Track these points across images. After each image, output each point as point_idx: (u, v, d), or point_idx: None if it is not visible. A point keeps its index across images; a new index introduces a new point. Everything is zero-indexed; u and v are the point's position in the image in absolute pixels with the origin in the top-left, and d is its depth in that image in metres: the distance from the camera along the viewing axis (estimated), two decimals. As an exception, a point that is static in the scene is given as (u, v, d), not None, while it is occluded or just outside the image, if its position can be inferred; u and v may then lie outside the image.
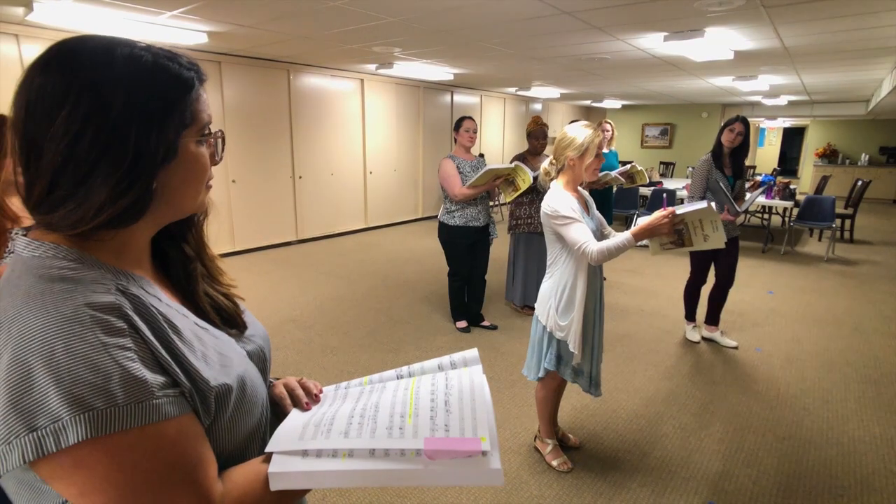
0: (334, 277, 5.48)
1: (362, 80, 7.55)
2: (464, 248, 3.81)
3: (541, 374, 2.26)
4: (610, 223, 5.40)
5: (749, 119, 14.39)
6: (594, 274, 2.17)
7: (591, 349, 2.21)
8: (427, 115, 8.78)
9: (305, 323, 4.17)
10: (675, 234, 2.08)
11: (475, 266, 3.92)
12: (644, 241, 2.09)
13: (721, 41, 4.64)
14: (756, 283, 5.34)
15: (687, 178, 9.79)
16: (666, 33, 4.42)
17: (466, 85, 8.89)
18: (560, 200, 2.06)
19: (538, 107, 11.66)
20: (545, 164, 2.20)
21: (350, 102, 7.51)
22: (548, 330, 2.20)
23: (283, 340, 3.82)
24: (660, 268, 5.73)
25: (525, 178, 3.52)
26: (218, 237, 6.24)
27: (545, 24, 4.20)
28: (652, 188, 7.52)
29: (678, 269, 5.59)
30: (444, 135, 9.15)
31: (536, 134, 4.06)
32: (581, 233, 2.02)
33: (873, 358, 3.58)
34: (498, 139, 10.58)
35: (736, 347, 3.68)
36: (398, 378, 0.80)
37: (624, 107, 12.88)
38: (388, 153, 8.22)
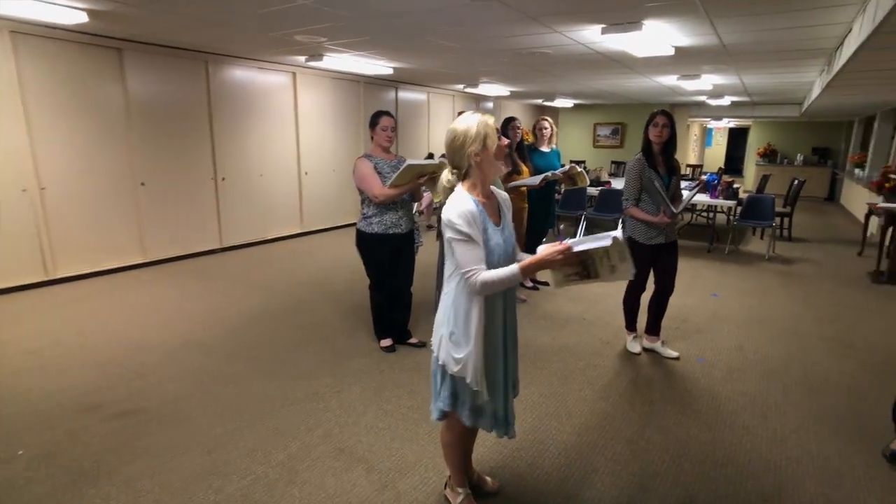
0: (256, 290, 4.97)
1: (294, 74, 7.03)
2: (385, 258, 3.41)
3: (435, 417, 1.89)
4: (552, 225, 5.17)
5: (696, 119, 14.65)
6: (500, 296, 1.81)
7: (499, 385, 1.86)
8: (368, 112, 8.21)
9: (209, 346, 3.67)
10: (580, 266, 1.76)
11: (399, 278, 3.53)
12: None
13: (660, 35, 4.44)
14: (700, 285, 5.19)
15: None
16: (603, 25, 4.17)
17: (411, 81, 8.50)
18: (460, 208, 1.69)
19: (489, 105, 11.40)
20: (445, 175, 1.81)
21: (281, 98, 6.98)
22: (440, 363, 1.83)
23: (176, 370, 3.31)
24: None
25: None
26: (123, 247, 5.59)
27: (474, 13, 3.87)
28: (600, 188, 7.34)
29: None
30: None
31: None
32: (471, 256, 1.67)
33: (811, 364, 3.42)
34: (446, 138, 10.22)
35: (677, 358, 3.45)
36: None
37: (576, 106, 12.80)
38: (326, 152, 7.71)
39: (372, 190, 3.21)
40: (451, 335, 1.78)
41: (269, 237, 7.08)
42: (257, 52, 5.94)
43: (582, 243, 1.68)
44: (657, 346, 3.51)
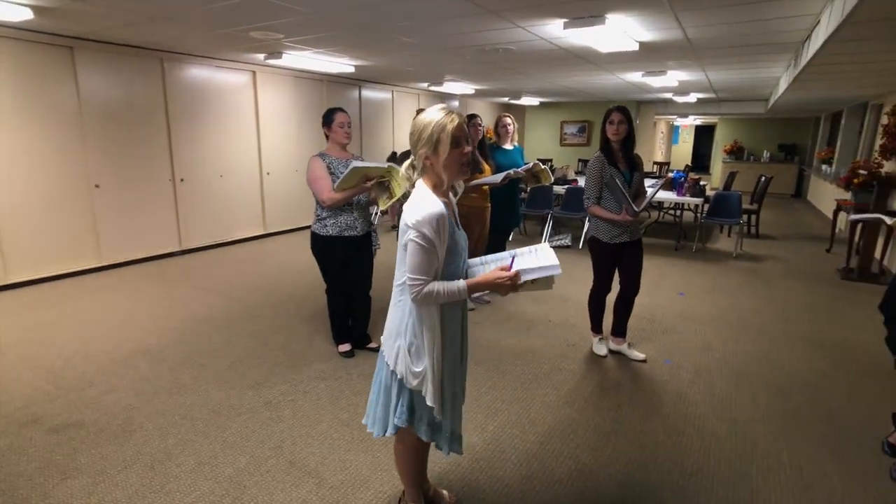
0: (212, 294, 4.75)
1: (254, 73, 6.79)
2: (339, 262, 3.26)
3: (390, 432, 1.76)
4: (518, 223, 5.10)
5: (662, 117, 14.81)
6: (458, 303, 1.69)
7: (453, 399, 1.74)
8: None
9: (159, 354, 3.46)
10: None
11: (356, 281, 3.38)
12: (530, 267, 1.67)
13: (624, 30, 4.39)
14: (667, 283, 5.18)
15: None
16: (565, 20, 4.09)
17: (374, 79, 8.32)
18: (430, 211, 1.52)
19: (455, 103, 11.30)
20: (405, 167, 1.69)
21: (241, 97, 6.73)
22: (398, 377, 1.70)
23: (123, 380, 3.11)
24: (571, 270, 5.46)
25: (400, 183, 3.01)
26: (78, 250, 5.31)
27: (433, 5, 3.74)
28: (566, 186, 7.31)
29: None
30: (352, 132, 8.52)
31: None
32: (428, 266, 1.55)
33: (778, 363, 3.40)
34: (415, 137, 10.08)
35: (644, 360, 3.39)
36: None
37: (542, 104, 12.80)
38: (288, 152, 7.48)
39: (321, 193, 3.07)
40: (411, 346, 1.65)
41: (231, 239, 6.83)
42: (214, 50, 5.70)
43: (530, 272, 1.64)
44: (623, 348, 3.45)
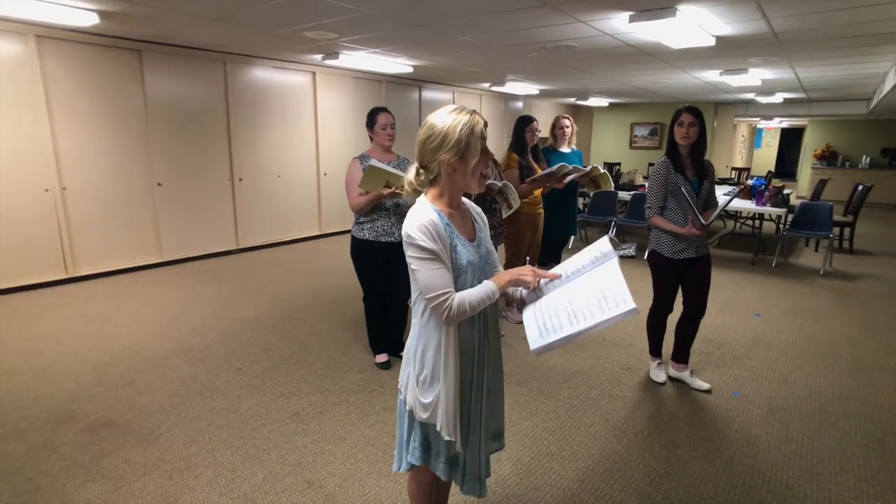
0: (260, 294, 4.79)
1: (314, 74, 6.87)
2: (375, 267, 3.13)
3: (404, 468, 1.57)
4: (574, 232, 4.75)
5: (743, 119, 13.70)
6: (475, 320, 1.48)
7: (474, 432, 1.52)
8: (392, 112, 8.07)
9: (198, 355, 3.49)
10: None
11: (393, 287, 3.24)
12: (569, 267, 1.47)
13: (698, 23, 3.97)
14: (741, 302, 4.65)
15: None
16: (631, 13, 3.75)
17: (435, 80, 8.22)
18: (420, 220, 1.37)
19: (519, 105, 10.99)
20: (410, 175, 1.49)
21: (300, 97, 6.83)
22: (407, 407, 1.52)
23: (161, 379, 3.14)
24: (635, 284, 5.04)
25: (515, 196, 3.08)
26: (140, 246, 5.57)
27: (488, 1, 3.53)
28: (633, 192, 6.83)
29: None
30: (411, 134, 8.47)
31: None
32: (439, 278, 1.35)
33: (877, 407, 2.89)
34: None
35: (709, 391, 3.00)
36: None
37: (611, 105, 12.20)
38: (346, 153, 7.50)
39: (349, 198, 2.96)
40: (420, 374, 1.48)
41: (287, 239, 6.95)
42: (274, 51, 5.80)
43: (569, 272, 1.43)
44: (685, 375, 3.07)
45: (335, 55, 5.78)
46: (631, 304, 1.21)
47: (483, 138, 1.40)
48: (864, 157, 12.68)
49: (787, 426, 2.67)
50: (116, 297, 4.69)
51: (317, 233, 7.33)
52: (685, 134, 2.69)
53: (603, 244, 1.40)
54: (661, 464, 2.35)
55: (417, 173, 1.47)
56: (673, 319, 3.07)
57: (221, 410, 2.80)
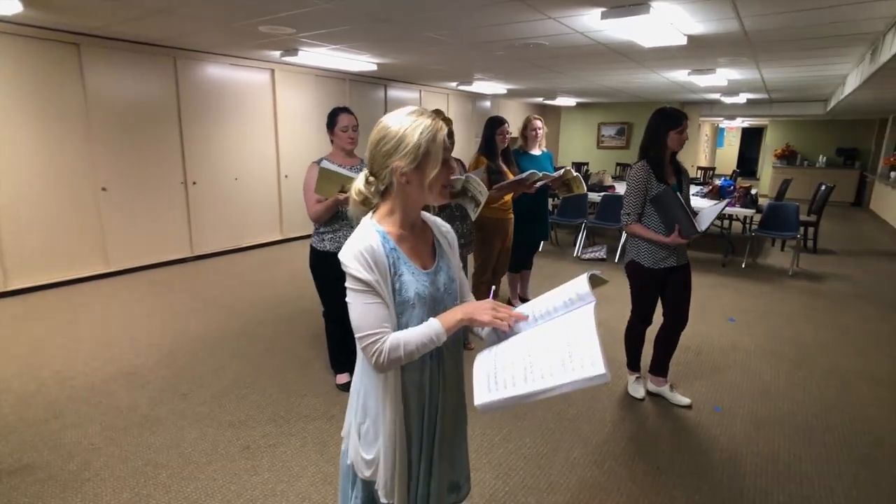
0: (214, 307, 4.45)
1: (272, 71, 6.51)
2: (336, 280, 2.85)
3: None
4: (546, 237, 4.59)
5: (708, 119, 13.94)
6: (424, 367, 1.25)
7: (423, 491, 1.30)
8: (356, 112, 7.76)
9: (141, 379, 3.15)
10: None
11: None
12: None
13: (671, 21, 3.85)
14: (715, 306, 4.58)
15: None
16: (603, 9, 3.59)
17: (401, 78, 7.96)
18: (355, 248, 1.15)
19: (487, 104, 10.83)
20: (359, 183, 1.25)
21: (259, 96, 6.47)
22: (349, 461, 1.31)
23: (94, 409, 2.80)
24: (606, 289, 4.91)
25: (481, 190, 2.86)
26: (84, 256, 5.12)
27: (451, -8, 3.32)
28: (603, 193, 6.74)
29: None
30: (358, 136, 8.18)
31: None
32: (371, 315, 1.14)
33: (860, 419, 2.80)
34: (442, 139, 9.67)
35: (689, 406, 2.86)
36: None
37: (579, 105, 12.18)
38: (308, 155, 7.14)
39: (307, 205, 2.71)
40: (361, 424, 1.27)
41: (245, 245, 6.57)
42: (228, 47, 5.44)
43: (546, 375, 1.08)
44: (664, 390, 2.93)
45: (294, 52, 5.46)
46: (601, 369, 0.96)
47: (446, 148, 1.18)
48: (821, 156, 13.06)
49: (772, 443, 2.55)
50: (53, 313, 4.27)
51: (278, 237, 6.98)
52: (685, 140, 2.54)
53: (580, 284, 1.12)
54: (645, 493, 2.18)
55: (367, 181, 1.24)
56: (651, 331, 2.92)
57: (161, 446, 2.50)
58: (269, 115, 6.63)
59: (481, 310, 1.16)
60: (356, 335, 1.15)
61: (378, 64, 6.29)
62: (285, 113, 6.77)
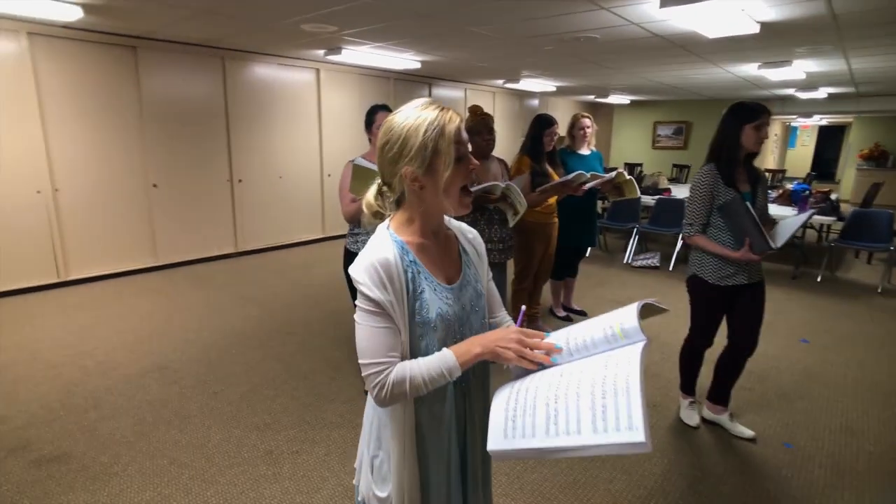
0: (252, 303, 4.46)
1: (318, 70, 6.53)
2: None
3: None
4: (594, 243, 4.29)
5: (778, 117, 12.91)
6: (446, 398, 1.08)
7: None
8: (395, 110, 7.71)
9: (174, 374, 3.15)
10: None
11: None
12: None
13: (741, 6, 3.47)
14: (783, 325, 4.12)
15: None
16: (663, -5, 3.28)
17: (445, 76, 7.81)
18: (367, 260, 0.99)
19: (535, 102, 10.50)
20: (370, 196, 1.09)
21: (303, 96, 6.50)
22: (360, 498, 1.16)
23: (129, 402, 2.83)
24: (663, 297, 4.53)
25: (520, 200, 2.75)
26: (135, 249, 5.30)
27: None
28: (657, 197, 6.32)
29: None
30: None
31: (478, 128, 2.97)
32: (378, 340, 0.98)
33: (965, 467, 2.38)
34: (490, 139, 9.45)
35: (753, 439, 2.52)
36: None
37: (633, 103, 11.61)
38: (351, 154, 7.06)
39: (342, 205, 2.59)
40: (374, 458, 1.11)
41: (289, 242, 6.63)
42: (274, 46, 5.47)
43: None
44: (723, 419, 2.60)
45: (338, 50, 5.42)
46: (640, 436, 0.76)
47: (459, 142, 1.00)
48: (918, 157, 11.76)
49: (859, 495, 2.18)
50: (104, 304, 4.41)
51: (320, 235, 7.00)
52: (763, 139, 2.22)
53: (628, 316, 0.90)
54: (699, 540, 1.90)
55: (379, 192, 1.08)
56: (712, 351, 2.60)
57: (187, 445, 2.46)
58: (314, 115, 6.66)
59: (504, 343, 0.96)
60: (359, 360, 0.99)
61: (422, 62, 6.16)
62: (329, 112, 6.78)
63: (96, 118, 4.89)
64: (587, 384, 0.84)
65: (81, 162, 4.85)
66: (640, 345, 0.86)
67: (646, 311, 0.92)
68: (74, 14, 3.91)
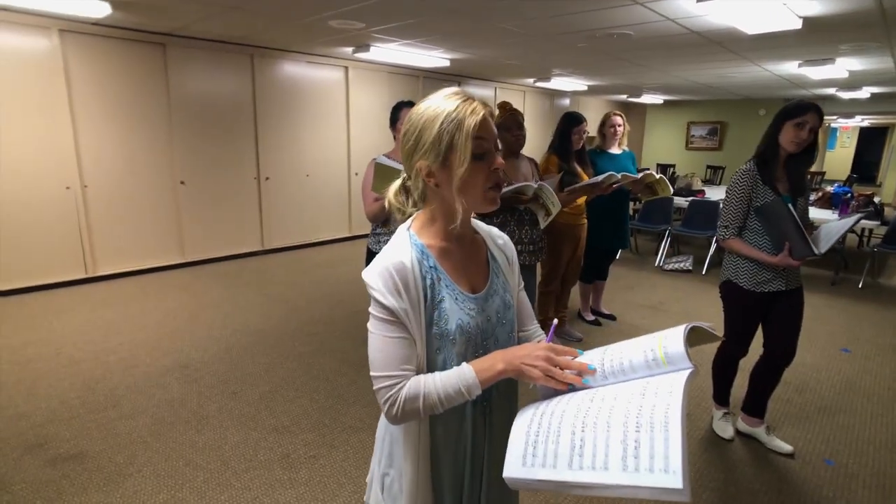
0: (276, 302, 4.47)
1: (346, 68, 6.53)
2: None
3: None
4: (626, 245, 4.16)
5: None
6: (465, 416, 1.01)
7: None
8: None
9: (195, 373, 3.16)
10: None
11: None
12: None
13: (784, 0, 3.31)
14: (823, 333, 3.92)
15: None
16: (701, -13, 3.15)
17: (475, 74, 7.74)
18: (382, 264, 0.93)
19: (566, 102, 10.33)
20: (391, 193, 1.03)
21: (332, 93, 6.51)
22: None
23: (149, 401, 2.83)
24: (691, 304, 4.38)
25: (552, 199, 2.64)
26: (162, 246, 5.39)
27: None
28: (690, 198, 6.12)
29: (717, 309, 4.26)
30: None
31: (507, 124, 2.89)
32: (390, 351, 0.91)
33: None
34: (516, 138, 9.34)
35: (791, 455, 2.39)
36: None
37: (666, 102, 11.32)
38: (379, 152, 7.15)
39: (364, 204, 2.55)
40: (385, 476, 1.04)
41: (315, 240, 6.66)
42: (302, 43, 5.49)
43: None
44: (759, 431, 2.47)
45: (366, 48, 5.40)
46: (678, 482, 0.66)
47: (481, 138, 0.90)
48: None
49: (905, 517, 2.04)
50: (130, 300, 4.48)
51: (346, 234, 7.01)
52: (803, 138, 2.08)
53: (673, 340, 0.79)
54: (734, 564, 1.79)
55: (402, 187, 1.02)
56: (747, 360, 2.47)
57: (204, 446, 2.44)
58: (342, 113, 6.66)
59: (531, 360, 0.87)
60: (370, 372, 0.92)
61: (451, 59, 6.11)
62: (358, 110, 6.77)
63: (125, 115, 4.97)
64: (620, 414, 0.75)
65: (110, 159, 4.94)
66: (686, 373, 0.76)
67: (694, 337, 0.82)
68: (103, 10, 3.96)
